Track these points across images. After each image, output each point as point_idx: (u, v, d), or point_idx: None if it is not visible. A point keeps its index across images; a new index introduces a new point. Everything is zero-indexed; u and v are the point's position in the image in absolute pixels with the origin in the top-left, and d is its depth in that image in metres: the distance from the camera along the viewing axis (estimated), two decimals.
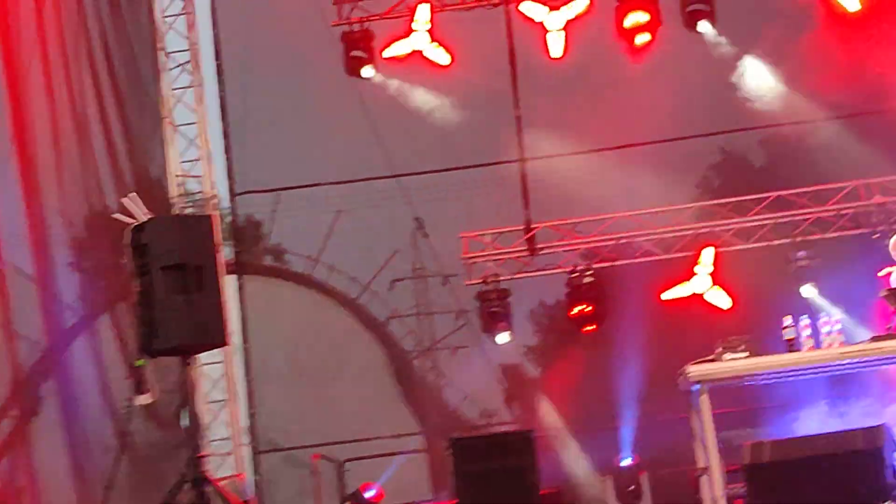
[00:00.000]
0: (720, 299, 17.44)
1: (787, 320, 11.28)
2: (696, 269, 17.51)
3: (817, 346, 11.26)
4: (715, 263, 17.52)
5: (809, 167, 17.93)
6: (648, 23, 16.76)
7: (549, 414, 18.50)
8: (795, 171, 18.02)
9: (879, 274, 16.08)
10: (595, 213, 18.17)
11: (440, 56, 16.82)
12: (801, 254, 17.65)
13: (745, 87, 17.51)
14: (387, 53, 17.02)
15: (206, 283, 10.80)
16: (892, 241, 12.53)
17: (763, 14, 16.87)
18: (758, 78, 17.57)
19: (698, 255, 17.57)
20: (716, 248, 17.62)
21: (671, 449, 14.97)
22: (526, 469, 10.99)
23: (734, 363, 11.18)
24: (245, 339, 18.49)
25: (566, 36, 16.75)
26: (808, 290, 17.40)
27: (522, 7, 16.70)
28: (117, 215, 11.07)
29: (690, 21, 16.90)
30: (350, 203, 19.55)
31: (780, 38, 16.42)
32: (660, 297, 17.58)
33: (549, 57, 16.97)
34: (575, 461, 17.95)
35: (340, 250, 20.24)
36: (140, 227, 10.92)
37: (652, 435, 17.17)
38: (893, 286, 11.78)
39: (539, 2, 16.71)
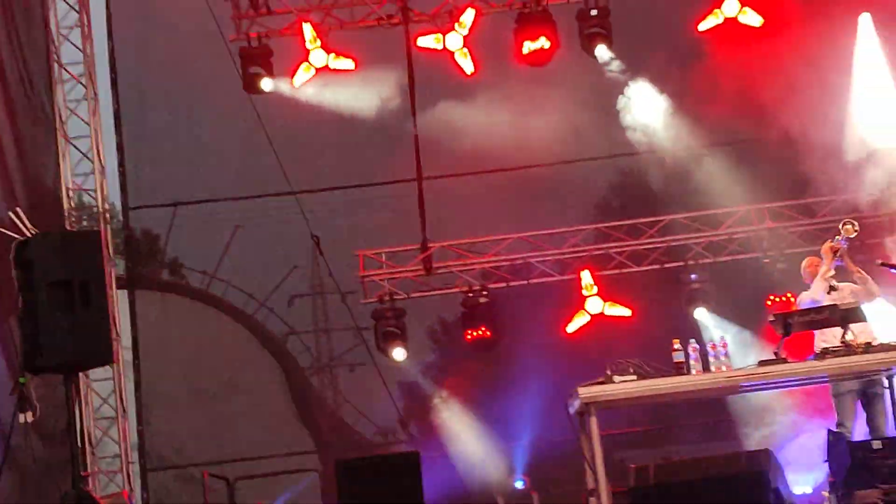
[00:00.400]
0: (619, 311, 17.52)
1: (676, 343, 11.34)
2: (582, 292, 17.61)
3: (706, 369, 11.32)
4: (607, 284, 17.60)
5: (704, 191, 18.10)
6: (546, 46, 16.81)
7: (444, 433, 18.48)
8: (691, 195, 18.18)
9: (768, 302, 16.38)
10: (492, 234, 18.22)
11: (344, 63, 16.77)
12: (693, 277, 17.83)
13: (636, 112, 17.65)
14: (297, 82, 16.92)
15: (93, 300, 10.64)
16: (803, 263, 12.66)
17: (652, 42, 17.01)
18: (648, 103, 17.74)
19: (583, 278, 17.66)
20: (596, 270, 17.69)
21: (565, 470, 15.02)
22: (410, 491, 10.92)
23: (623, 386, 11.22)
24: (136, 355, 18.26)
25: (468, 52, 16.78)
26: (699, 314, 17.57)
27: (420, 42, 16.74)
28: (2, 230, 10.89)
29: (588, 44, 16.99)
30: (248, 218, 19.43)
31: (668, 65, 16.57)
32: (555, 318, 17.64)
33: (449, 76, 16.95)
34: (468, 481, 17.94)
35: (238, 266, 20.11)
36: (25, 243, 10.74)
37: (545, 456, 17.23)
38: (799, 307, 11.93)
39: (430, 32, 16.74)
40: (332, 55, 16.78)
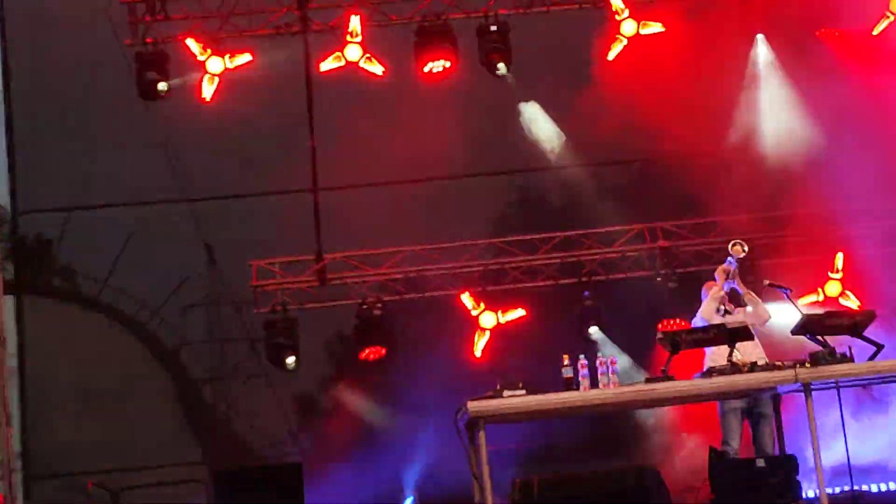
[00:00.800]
0: (514, 314, 17.55)
1: (566, 359, 11.36)
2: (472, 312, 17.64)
3: (594, 385, 11.35)
4: (493, 298, 17.62)
5: (600, 209, 18.21)
6: (445, 60, 16.82)
7: (337, 447, 18.38)
8: (588, 213, 18.28)
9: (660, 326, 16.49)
10: (388, 246, 18.18)
11: (241, 58, 16.59)
12: (586, 294, 17.92)
13: (534, 129, 17.73)
14: (205, 94, 16.70)
15: None
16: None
17: (550, 60, 17.08)
18: (545, 120, 17.83)
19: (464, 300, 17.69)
20: (497, 284, 17.74)
21: (457, 485, 14.99)
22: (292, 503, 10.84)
23: (511, 400, 11.22)
24: (23, 361, 17.97)
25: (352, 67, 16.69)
26: (592, 330, 17.66)
27: (323, 67, 16.63)
28: None
29: (487, 60, 17.03)
30: (142, 226, 19.21)
31: (564, 83, 16.64)
32: (450, 331, 17.63)
33: (348, 87, 16.88)
34: (359, 496, 17.87)
35: (131, 274, 19.86)
36: None
37: (436, 471, 17.19)
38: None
39: (330, 50, 16.68)
40: (227, 56, 16.56)
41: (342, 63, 16.67)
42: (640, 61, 16.33)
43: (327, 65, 16.72)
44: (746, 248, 12.26)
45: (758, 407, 12.11)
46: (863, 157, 15.61)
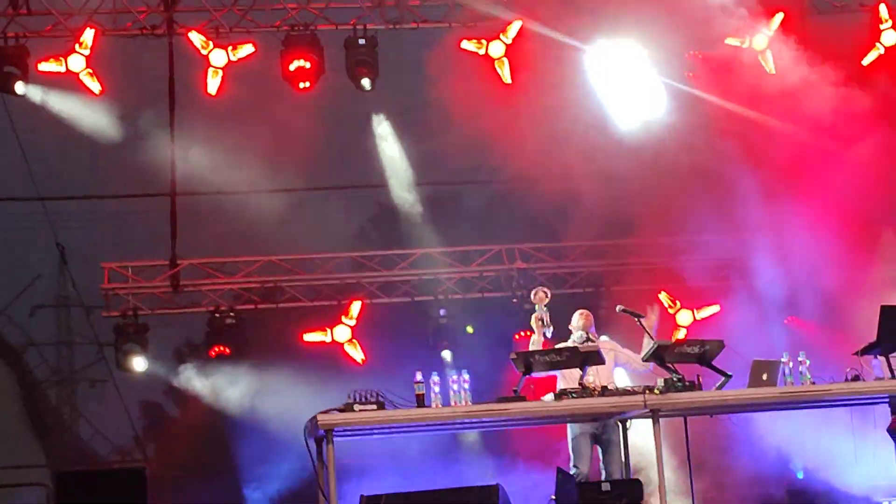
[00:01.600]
0: (355, 353, 17.53)
1: (419, 376, 11.37)
2: (342, 318, 17.56)
3: (445, 403, 11.37)
4: (358, 317, 17.62)
5: (462, 227, 18.29)
6: (311, 70, 16.76)
7: (183, 453, 18.19)
8: (449, 230, 18.35)
9: (515, 336, 16.59)
10: (244, 255, 18.04)
11: (92, 84, 16.25)
12: (442, 311, 17.97)
13: (393, 145, 17.75)
14: (42, 67, 16.29)
15: None
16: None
17: (412, 78, 17.06)
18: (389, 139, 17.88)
19: (345, 304, 17.63)
20: (361, 300, 17.73)
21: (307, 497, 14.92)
22: None
23: (362, 414, 11.19)
24: None
25: (224, 75, 16.51)
26: (446, 352, 17.71)
27: (192, 36, 16.38)
28: None
29: (354, 73, 17.00)
30: None
31: (424, 102, 16.65)
32: (302, 341, 17.54)
33: (209, 93, 16.69)
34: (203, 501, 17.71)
35: None
36: None
37: (286, 480, 17.10)
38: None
39: (204, 34, 16.45)
40: (88, 70, 16.21)
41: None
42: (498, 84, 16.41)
43: (212, 84, 16.48)
44: (549, 294, 12.37)
45: (606, 433, 12.23)
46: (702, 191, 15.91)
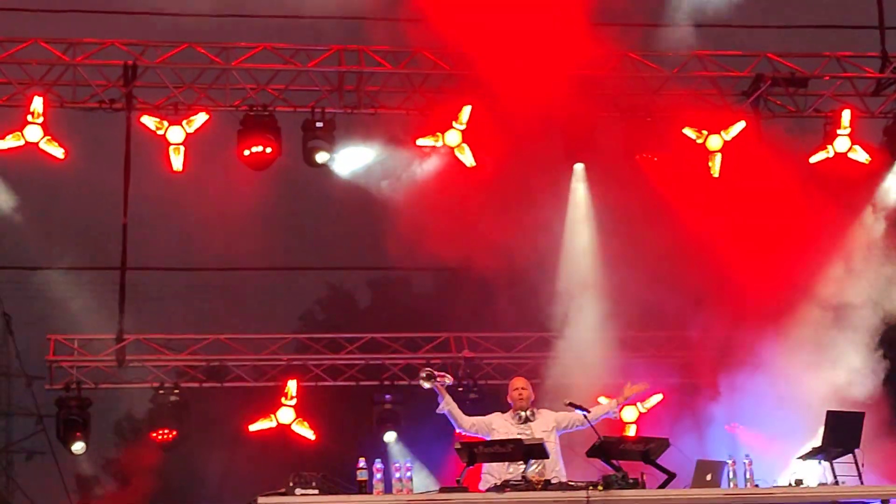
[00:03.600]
0: (305, 431, 17.42)
1: (362, 462, 11.31)
2: (282, 399, 17.46)
3: (388, 490, 11.31)
4: (300, 395, 17.50)
5: (410, 313, 18.31)
6: (269, 155, 16.77)
7: None
8: (396, 315, 18.36)
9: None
10: (191, 332, 17.96)
11: (54, 151, 16.21)
12: (387, 397, 17.93)
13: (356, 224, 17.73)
14: (1, 145, 16.25)
15: None
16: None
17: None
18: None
19: (285, 385, 17.55)
20: (299, 380, 17.62)
21: None
22: None
23: (303, 499, 11.11)
24: None
25: (186, 151, 16.50)
26: (389, 434, 17.65)
27: (144, 120, 16.41)
28: None
29: (310, 156, 17.04)
30: None
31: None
32: (246, 426, 17.43)
33: (169, 169, 16.65)
34: None
35: None
36: None
37: None
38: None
39: (158, 116, 16.45)
40: (47, 138, 16.15)
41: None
42: (466, 171, 16.51)
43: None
44: (433, 375, 12.31)
45: None
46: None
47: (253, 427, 17.38)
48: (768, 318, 15.68)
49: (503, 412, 12.51)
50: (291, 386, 17.46)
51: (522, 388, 12.48)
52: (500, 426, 12.31)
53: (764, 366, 15.54)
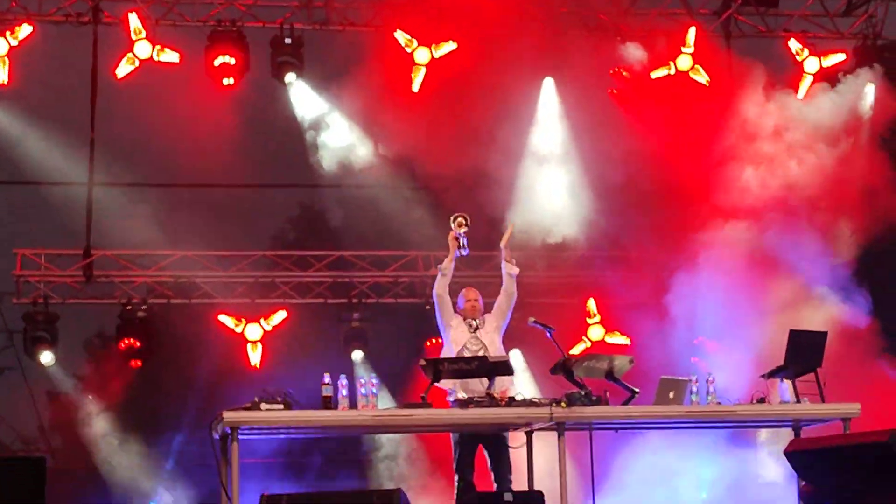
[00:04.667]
0: (254, 356, 17.43)
1: (327, 377, 11.34)
2: (262, 320, 17.46)
3: (353, 406, 11.35)
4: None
5: (379, 232, 18.23)
6: (235, 66, 16.69)
7: (91, 446, 18.00)
8: (366, 234, 18.29)
9: (427, 343, 16.60)
10: (160, 249, 17.91)
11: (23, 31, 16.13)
12: (355, 316, 17.95)
13: (327, 146, 17.62)
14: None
15: None
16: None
17: (350, 76, 17.00)
18: (339, 138, 17.72)
19: (269, 309, 17.51)
20: (286, 310, 17.62)
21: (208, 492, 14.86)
22: (33, 498, 10.46)
23: (268, 413, 11.15)
24: None
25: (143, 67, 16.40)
26: (356, 353, 17.69)
27: (130, 16, 16.24)
28: None
29: (278, 72, 16.95)
30: None
31: (365, 102, 16.59)
32: (215, 341, 17.44)
33: (135, 83, 16.54)
34: (111, 496, 17.55)
35: None
36: None
37: (190, 477, 17.00)
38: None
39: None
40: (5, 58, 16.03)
41: (136, 65, 16.34)
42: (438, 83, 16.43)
43: (123, 70, 16.36)
44: (468, 220, 12.35)
45: (495, 439, 12.14)
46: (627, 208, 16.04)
47: (222, 318, 17.31)
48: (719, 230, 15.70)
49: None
50: (279, 316, 17.44)
51: (475, 300, 12.50)
52: (456, 327, 12.35)
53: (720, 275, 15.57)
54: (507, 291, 12.44)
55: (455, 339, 12.21)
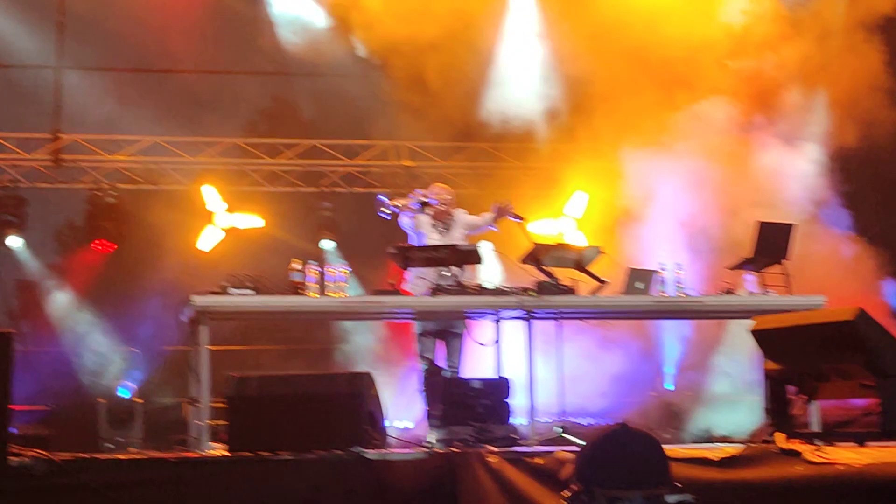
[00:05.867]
0: (252, 221, 17.34)
1: (296, 264, 11.33)
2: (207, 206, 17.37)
3: (323, 293, 11.35)
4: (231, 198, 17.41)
5: (350, 121, 18.10)
6: None
7: (60, 332, 17.98)
8: (338, 123, 18.18)
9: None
10: (129, 134, 17.79)
11: None
12: (325, 204, 17.90)
13: (294, 29, 17.37)
14: None
15: None
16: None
17: None
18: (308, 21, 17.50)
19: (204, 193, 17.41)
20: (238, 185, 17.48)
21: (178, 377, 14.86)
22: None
23: (237, 299, 11.16)
24: None
25: None
26: (326, 242, 17.67)
27: None
28: None
29: None
30: None
31: None
32: (185, 226, 17.34)
33: None
34: (79, 381, 17.54)
35: None
36: None
37: (159, 362, 17.03)
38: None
39: None
40: None
41: None
42: None
43: None
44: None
45: (452, 328, 12.17)
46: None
47: (203, 244, 17.26)
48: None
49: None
50: (206, 191, 17.26)
51: (447, 198, 12.36)
52: (427, 230, 12.30)
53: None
54: (485, 224, 12.30)
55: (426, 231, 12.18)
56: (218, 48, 17.68)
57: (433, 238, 12.15)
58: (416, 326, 12.20)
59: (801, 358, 8.92)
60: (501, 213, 12.19)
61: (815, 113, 15.76)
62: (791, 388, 9.14)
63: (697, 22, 15.54)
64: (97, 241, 17.71)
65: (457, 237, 12.18)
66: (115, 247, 17.75)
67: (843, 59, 15.57)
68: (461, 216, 12.34)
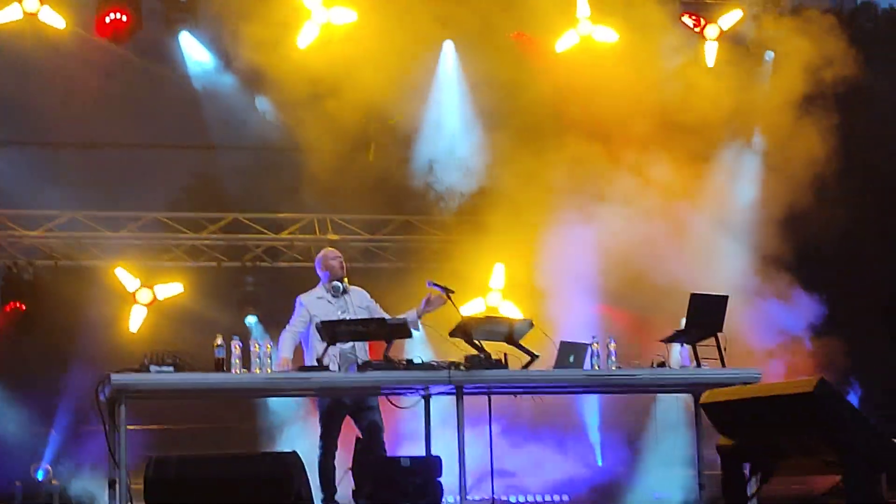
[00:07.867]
0: (134, 320, 17.03)
1: (219, 339, 11.06)
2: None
3: (247, 369, 11.08)
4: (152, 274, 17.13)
5: (278, 194, 17.93)
6: (127, 24, 16.23)
7: None
8: (261, 197, 18.00)
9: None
10: (47, 209, 17.45)
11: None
12: (249, 279, 17.70)
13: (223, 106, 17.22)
14: None
15: None
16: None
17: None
18: (235, 97, 17.34)
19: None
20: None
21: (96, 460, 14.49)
22: None
23: (158, 376, 10.84)
24: None
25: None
26: (250, 317, 17.42)
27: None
28: None
29: (167, 29, 16.54)
30: None
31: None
32: (104, 302, 17.03)
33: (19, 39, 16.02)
34: None
35: None
36: None
37: (78, 445, 16.62)
38: None
39: None
40: None
41: (20, 16, 15.84)
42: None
43: (4, 16, 15.87)
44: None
45: (364, 403, 11.94)
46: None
47: (132, 327, 16.91)
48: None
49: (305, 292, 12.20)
50: (119, 273, 17.01)
51: (341, 257, 12.29)
52: (318, 308, 12.07)
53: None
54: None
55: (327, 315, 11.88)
56: (139, 123, 17.45)
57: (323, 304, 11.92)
58: (319, 402, 11.94)
59: (758, 433, 8.31)
60: (431, 303, 12.01)
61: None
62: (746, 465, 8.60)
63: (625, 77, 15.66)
64: (13, 319, 17.29)
65: (355, 306, 11.96)
66: (32, 324, 17.32)
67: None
68: (361, 292, 12.14)
